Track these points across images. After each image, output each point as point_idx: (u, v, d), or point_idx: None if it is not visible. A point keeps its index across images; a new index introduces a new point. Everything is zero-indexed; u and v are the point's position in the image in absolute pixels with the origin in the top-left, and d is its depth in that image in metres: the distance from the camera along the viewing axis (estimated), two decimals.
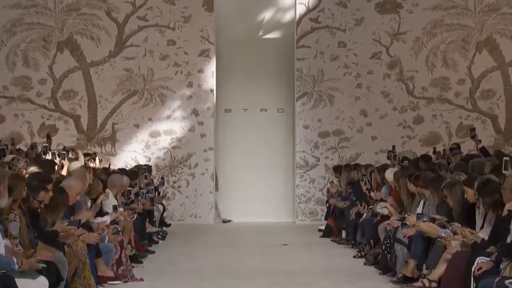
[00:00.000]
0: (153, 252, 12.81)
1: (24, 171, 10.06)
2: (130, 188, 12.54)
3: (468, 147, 16.60)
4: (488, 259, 7.29)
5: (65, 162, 12.62)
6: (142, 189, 14.10)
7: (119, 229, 10.41)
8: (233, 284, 10.13)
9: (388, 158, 16.44)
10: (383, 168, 12.98)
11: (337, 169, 16.81)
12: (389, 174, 12.10)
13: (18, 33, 18.47)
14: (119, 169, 14.03)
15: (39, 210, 8.15)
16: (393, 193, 11.69)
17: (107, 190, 11.25)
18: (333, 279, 10.39)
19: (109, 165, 16.59)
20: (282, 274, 10.77)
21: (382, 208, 11.51)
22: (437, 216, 9.22)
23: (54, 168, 11.18)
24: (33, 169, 9.85)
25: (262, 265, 11.61)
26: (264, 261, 12.01)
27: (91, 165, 13.47)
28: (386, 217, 11.26)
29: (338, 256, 12.66)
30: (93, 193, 10.60)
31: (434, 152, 16.30)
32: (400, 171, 11.54)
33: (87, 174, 10.49)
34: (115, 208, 10.93)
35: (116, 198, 11.53)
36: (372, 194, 12.61)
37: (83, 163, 13.50)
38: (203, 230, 16.69)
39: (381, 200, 12.06)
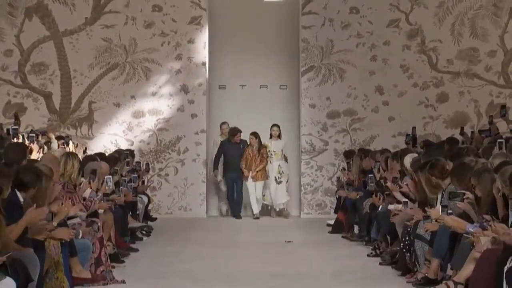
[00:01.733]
0: (136, 250, 12.85)
1: None
2: (110, 176, 12.55)
3: (501, 129, 16.59)
4: None
5: (34, 146, 12.63)
6: (123, 177, 14.13)
7: (98, 223, 10.43)
8: None
9: (407, 142, 16.46)
10: (403, 153, 12.93)
11: (349, 155, 16.82)
12: (408, 161, 12.10)
13: None
14: (96, 154, 14.02)
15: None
16: (414, 181, 11.65)
17: (82, 179, 11.28)
18: (344, 283, 10.42)
19: (85, 149, 16.59)
20: (285, 277, 10.79)
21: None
22: (468, 193, 9.13)
23: (26, 153, 11.18)
24: None
25: (262, 267, 11.63)
26: (265, 262, 12.04)
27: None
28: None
29: (350, 255, 12.71)
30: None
31: (462, 133, 16.29)
32: (422, 158, 11.51)
33: (74, 162, 10.50)
34: None
35: (91, 188, 11.54)
36: (388, 184, 12.56)
37: (56, 148, 13.53)
38: (194, 225, 16.72)
39: (400, 192, 12.07)
